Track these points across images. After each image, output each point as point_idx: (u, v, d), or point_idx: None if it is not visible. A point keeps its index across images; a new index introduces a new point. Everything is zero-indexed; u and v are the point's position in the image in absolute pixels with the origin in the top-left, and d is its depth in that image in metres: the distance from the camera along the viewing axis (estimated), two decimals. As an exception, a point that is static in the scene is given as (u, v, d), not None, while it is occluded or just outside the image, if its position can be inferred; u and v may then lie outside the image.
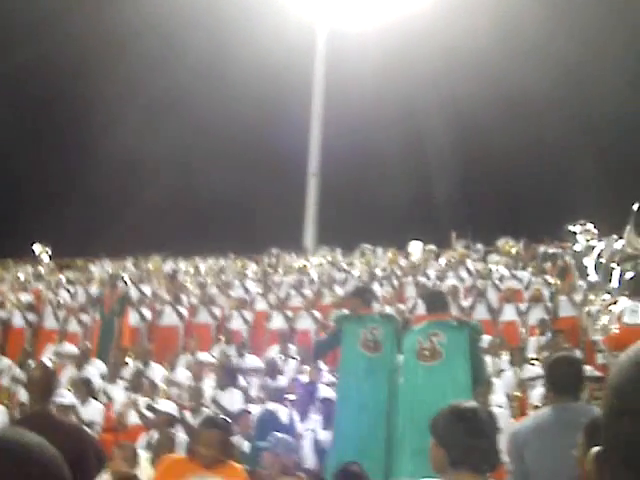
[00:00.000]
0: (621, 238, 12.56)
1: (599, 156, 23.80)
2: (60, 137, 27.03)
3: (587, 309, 13.79)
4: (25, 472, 1.50)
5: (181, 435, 9.45)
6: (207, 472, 5.37)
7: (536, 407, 9.67)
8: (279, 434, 6.89)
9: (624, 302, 9.29)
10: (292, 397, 10.87)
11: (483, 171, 25.78)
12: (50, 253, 20.93)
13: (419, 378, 7.23)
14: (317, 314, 15.70)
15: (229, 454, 5.57)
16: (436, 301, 7.66)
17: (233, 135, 26.40)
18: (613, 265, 12.18)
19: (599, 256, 12.83)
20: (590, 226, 16.11)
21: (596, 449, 1.15)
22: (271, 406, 9.97)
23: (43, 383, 5.42)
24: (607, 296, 11.90)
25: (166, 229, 25.59)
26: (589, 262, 14.67)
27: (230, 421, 5.80)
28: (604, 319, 9.80)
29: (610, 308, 9.94)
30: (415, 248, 19.91)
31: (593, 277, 13.20)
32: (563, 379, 4.77)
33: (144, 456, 8.15)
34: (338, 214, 25.51)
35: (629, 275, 10.79)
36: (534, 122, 25.92)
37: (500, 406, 10.08)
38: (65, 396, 10.26)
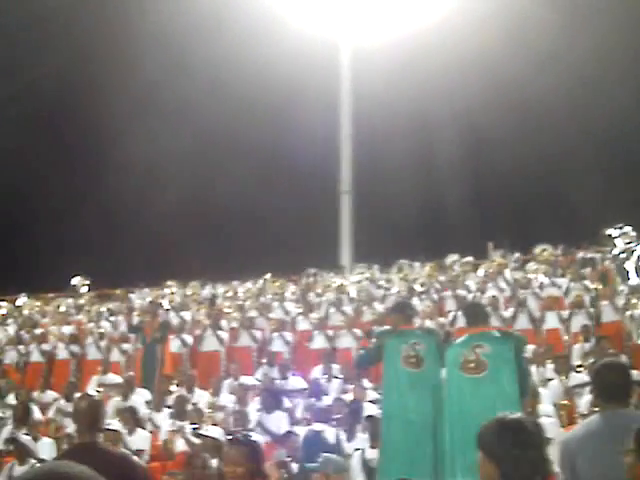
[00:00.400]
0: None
1: (632, 158, 23.60)
2: (94, 169, 27.30)
3: (630, 313, 13.65)
4: None
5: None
6: None
7: (584, 415, 9.57)
8: (328, 454, 6.85)
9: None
10: (338, 416, 10.83)
11: (517, 180, 25.67)
12: (89, 284, 21.10)
13: (465, 391, 7.18)
14: (358, 332, 15.67)
15: (259, 474, 5.39)
16: (477, 313, 7.63)
17: (265, 158, 26.54)
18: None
19: (637, 260, 12.71)
20: (628, 229, 15.97)
21: None
22: (317, 427, 9.95)
23: (89, 414, 5.44)
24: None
25: (203, 254, 25.70)
26: (629, 266, 14.54)
27: (255, 439, 5.69)
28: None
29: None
30: (453, 260, 19.85)
31: (634, 280, 13.07)
32: (611, 385, 4.71)
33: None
34: (373, 231, 25.49)
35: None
36: (558, 130, 25.82)
37: (548, 415, 9.98)
38: (112, 424, 10.31)
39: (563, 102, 25.45)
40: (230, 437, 5.51)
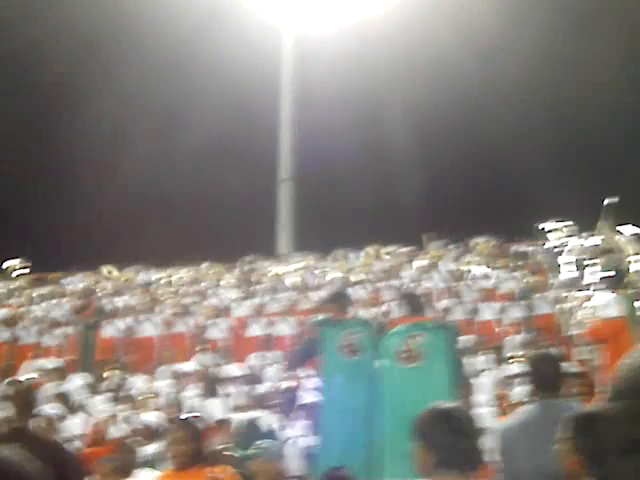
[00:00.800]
0: (591, 235, 12.67)
1: (567, 154, 23.98)
2: (40, 151, 26.85)
3: (560, 306, 13.90)
4: None
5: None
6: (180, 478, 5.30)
7: (517, 405, 9.73)
8: (267, 441, 6.88)
9: (598, 296, 9.38)
10: (274, 403, 10.85)
11: (453, 172, 25.91)
12: (24, 268, 20.79)
13: (399, 380, 7.25)
14: (294, 319, 15.71)
15: (200, 455, 5.45)
16: (412, 303, 7.70)
17: (204, 142, 26.34)
18: (585, 262, 12.29)
19: (567, 254, 12.95)
20: (562, 224, 16.24)
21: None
22: (253, 413, 9.96)
23: (20, 399, 5.40)
24: (580, 292, 12.00)
25: (138, 240, 25.48)
26: (561, 260, 14.79)
27: (200, 422, 5.72)
28: (580, 314, 9.88)
29: (585, 303, 10.03)
30: (390, 251, 19.95)
31: (565, 274, 13.31)
32: (544, 376, 4.83)
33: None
34: (310, 220, 25.51)
35: (605, 269, 10.89)
36: (503, 121, 26.05)
37: (482, 406, 10.11)
38: (46, 410, 10.19)
39: (507, 92, 25.76)
40: (174, 418, 5.54)
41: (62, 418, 10.89)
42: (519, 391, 10.58)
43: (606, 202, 10.68)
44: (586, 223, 12.55)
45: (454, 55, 24.61)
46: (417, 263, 18.71)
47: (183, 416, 5.59)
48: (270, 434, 9.12)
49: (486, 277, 17.02)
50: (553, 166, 24.17)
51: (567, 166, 23.59)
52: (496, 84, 25.84)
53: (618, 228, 10.86)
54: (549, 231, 16.75)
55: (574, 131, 24.82)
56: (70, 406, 11.52)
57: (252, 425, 9.58)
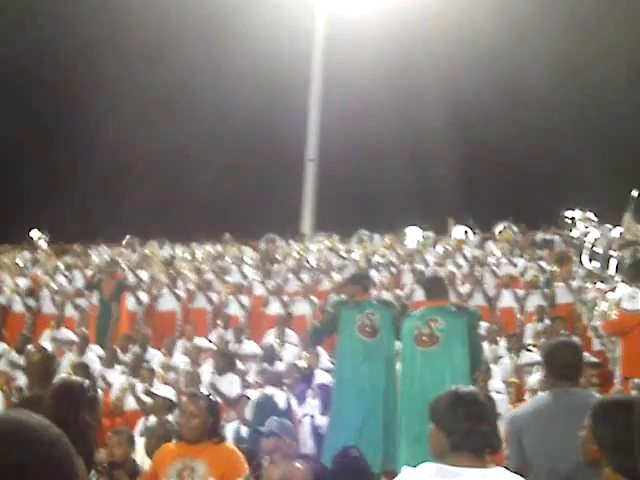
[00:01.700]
0: (617, 226, 12.56)
1: (599, 143, 23.73)
2: (60, 123, 26.91)
3: (582, 296, 13.82)
4: (31, 453, 1.49)
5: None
6: (192, 452, 5.27)
7: (533, 393, 9.70)
8: (279, 418, 6.89)
9: (623, 288, 9.28)
10: (289, 382, 10.87)
11: (481, 158, 25.73)
12: (48, 239, 20.87)
13: (417, 363, 7.24)
14: (314, 300, 15.71)
15: (215, 431, 5.45)
16: (435, 287, 7.66)
17: (231, 121, 26.30)
18: (611, 252, 12.18)
19: (593, 244, 12.83)
20: (589, 213, 16.10)
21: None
22: (269, 391, 9.98)
23: (42, 367, 5.43)
24: (603, 283, 11.91)
25: (163, 215, 25.55)
26: (586, 250, 14.67)
27: (217, 400, 5.72)
28: (603, 305, 9.80)
29: (608, 295, 9.95)
30: (413, 234, 19.86)
31: (588, 265, 13.21)
32: (563, 364, 4.78)
33: (140, 442, 8.17)
34: (336, 201, 25.47)
35: (627, 261, 10.79)
36: (534, 108, 25.84)
37: (498, 392, 10.09)
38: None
39: (543, 74, 25.52)
40: (190, 392, 5.54)
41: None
42: (536, 379, 10.56)
43: (634, 193, 10.57)
44: (613, 214, 12.41)
45: (493, 35, 24.30)
46: (441, 247, 18.65)
47: (198, 391, 5.59)
48: (284, 412, 9.13)
49: (510, 263, 16.95)
50: (586, 154, 23.94)
51: (600, 155, 23.34)
52: (536, 68, 25.58)
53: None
54: (575, 220, 16.61)
55: (610, 121, 24.47)
56: (89, 377, 11.57)
57: (267, 402, 9.60)
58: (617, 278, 10.97)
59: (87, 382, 4.18)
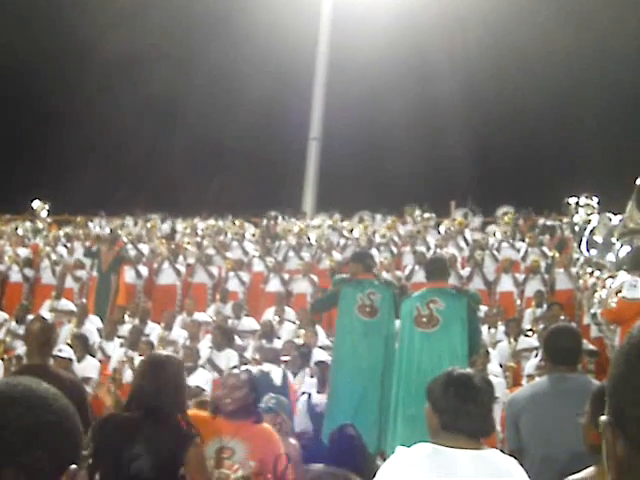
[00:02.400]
0: (618, 214, 12.54)
1: (603, 130, 23.64)
2: (61, 93, 26.80)
3: (581, 282, 13.83)
4: (40, 419, 1.51)
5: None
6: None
7: (530, 378, 9.73)
8: (276, 395, 6.90)
9: (623, 276, 9.28)
10: (287, 359, 10.90)
11: (485, 141, 25.68)
12: (49, 209, 20.86)
13: (416, 344, 7.25)
14: (315, 278, 15.73)
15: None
16: (436, 268, 7.65)
17: (235, 98, 26.23)
18: (612, 240, 12.16)
19: (592, 232, 12.82)
20: (592, 200, 16.07)
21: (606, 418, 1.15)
22: (266, 368, 10.01)
23: (42, 336, 5.43)
24: (603, 271, 11.90)
25: (166, 189, 25.54)
26: (587, 236, 14.67)
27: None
28: (602, 292, 9.81)
29: (608, 282, 9.95)
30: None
31: (587, 252, 13.21)
32: (562, 349, 4.79)
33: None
34: (339, 180, 25.42)
35: (627, 249, 10.79)
36: (537, 93, 25.71)
37: (495, 376, 10.12)
38: (63, 350, 10.29)
39: (553, 63, 25.40)
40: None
41: (78, 360, 11.00)
42: (533, 364, 10.59)
43: (639, 182, 10.53)
44: (618, 202, 12.37)
45: (502, 18, 24.14)
46: (443, 229, 18.65)
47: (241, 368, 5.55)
48: (280, 389, 9.16)
49: (512, 248, 16.94)
50: (594, 141, 23.85)
51: (603, 142, 23.24)
52: (540, 54, 25.43)
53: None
54: (578, 206, 16.59)
55: (616, 108, 24.31)
56: (87, 349, 11.61)
57: (263, 379, 9.62)
58: (617, 266, 10.97)
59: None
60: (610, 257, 11.78)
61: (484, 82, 25.17)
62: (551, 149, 25.78)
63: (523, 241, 17.39)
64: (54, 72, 26.61)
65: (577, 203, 16.43)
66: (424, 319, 7.22)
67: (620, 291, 8.92)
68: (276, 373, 9.85)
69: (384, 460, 3.62)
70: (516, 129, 25.25)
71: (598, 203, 15.89)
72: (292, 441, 6.51)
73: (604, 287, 10.11)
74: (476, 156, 25.32)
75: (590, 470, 3.09)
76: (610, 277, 10.29)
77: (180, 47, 27.16)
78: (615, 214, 12.86)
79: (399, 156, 25.87)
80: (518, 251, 16.75)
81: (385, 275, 14.03)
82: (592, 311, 11.06)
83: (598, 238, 12.64)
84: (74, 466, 1.57)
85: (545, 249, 16.69)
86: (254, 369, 10.31)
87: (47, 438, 1.51)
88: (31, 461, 1.48)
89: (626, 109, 23.47)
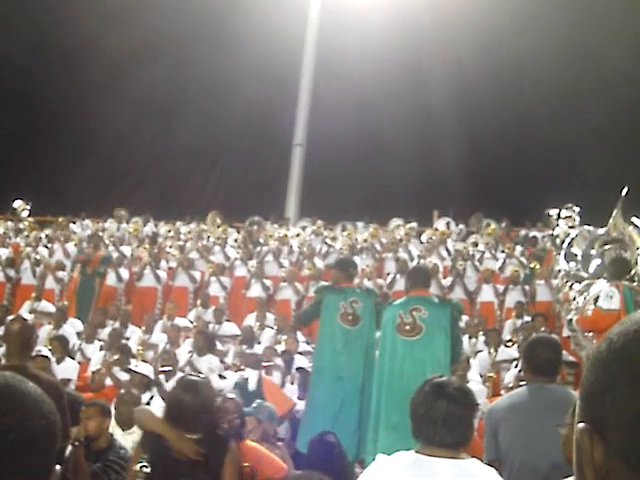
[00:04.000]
0: (600, 227, 12.59)
1: (590, 141, 23.69)
2: (46, 92, 26.69)
3: (561, 295, 13.89)
4: (37, 425, 1.51)
5: (157, 399, 9.41)
6: None
7: (509, 388, 9.76)
8: (261, 401, 6.92)
9: (601, 285, 9.32)
10: (269, 365, 10.90)
11: (469, 152, 25.71)
12: (30, 209, 20.76)
13: (399, 352, 7.24)
14: (297, 285, 15.73)
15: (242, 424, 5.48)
16: (419, 277, 7.65)
17: (220, 103, 26.21)
18: (592, 252, 12.21)
19: (570, 244, 12.86)
20: (574, 211, 16.14)
21: (584, 425, 1.17)
22: (247, 373, 10.00)
23: (21, 337, 5.40)
24: (584, 281, 11.93)
25: (148, 192, 25.48)
26: (568, 247, 14.72)
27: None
28: (580, 303, 9.84)
29: (586, 292, 9.98)
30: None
31: (565, 265, 13.25)
32: (542, 360, 4.81)
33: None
34: (322, 187, 25.44)
35: (607, 258, 10.83)
36: (521, 105, 25.78)
37: (476, 385, 10.15)
38: (42, 352, 10.23)
39: (536, 72, 25.44)
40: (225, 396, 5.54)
41: (57, 361, 10.94)
42: (512, 374, 10.63)
43: (624, 191, 10.59)
44: (604, 213, 12.42)
45: (497, 22, 24.14)
46: (425, 238, 18.70)
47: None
48: (256, 394, 9.16)
49: (492, 259, 17.01)
50: (572, 153, 23.94)
51: (586, 153, 23.29)
52: (523, 64, 25.47)
53: (632, 220, 10.75)
54: (560, 218, 16.66)
55: (600, 119, 24.32)
56: (66, 350, 11.56)
57: (245, 384, 9.62)
58: (597, 276, 11.00)
59: None
60: (589, 269, 11.82)
61: (475, 91, 25.24)
62: (539, 159, 25.82)
63: (503, 252, 17.47)
64: (45, 70, 26.48)
65: (558, 215, 16.51)
66: (407, 327, 7.22)
67: (596, 300, 8.96)
68: (252, 378, 9.85)
69: (363, 468, 3.62)
70: (500, 141, 25.29)
71: (579, 214, 15.97)
72: (276, 447, 6.51)
73: (582, 293, 10.14)
74: (459, 167, 25.37)
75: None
76: (589, 285, 10.32)
77: (166, 52, 27.07)
78: (596, 227, 12.92)
79: (384, 163, 25.91)
80: (497, 261, 16.83)
81: (367, 283, 14.06)
82: (569, 317, 11.09)
83: (577, 250, 12.68)
84: (58, 467, 1.58)
85: (523, 259, 16.76)
86: (236, 375, 10.32)
87: (44, 444, 1.52)
88: (32, 466, 1.49)
89: (614, 119, 23.55)
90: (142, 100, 25.90)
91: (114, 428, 7.46)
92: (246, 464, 4.98)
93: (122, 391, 8.52)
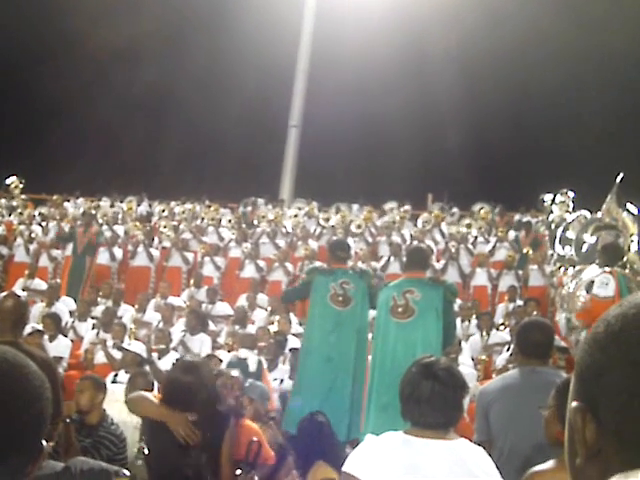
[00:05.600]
0: (596, 211, 12.59)
1: (582, 126, 23.67)
2: (41, 72, 26.55)
3: (555, 279, 13.91)
4: (41, 406, 1.53)
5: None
6: None
7: (500, 371, 9.78)
8: (253, 380, 6.93)
9: (593, 270, 9.30)
10: (262, 345, 10.92)
11: (464, 136, 25.69)
12: (24, 187, 20.67)
13: (391, 333, 7.25)
14: (290, 266, 15.74)
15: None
16: (415, 258, 7.64)
17: (215, 82, 26.14)
18: (585, 238, 12.21)
19: (565, 229, 12.87)
20: (568, 197, 16.16)
21: (577, 404, 1.17)
22: (241, 353, 10.02)
23: (14, 313, 5.38)
24: (577, 267, 11.94)
25: (143, 172, 25.40)
26: (562, 233, 14.74)
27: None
28: (572, 289, 9.83)
29: (579, 278, 9.96)
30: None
31: (560, 250, 13.26)
32: (534, 343, 4.83)
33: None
34: (318, 168, 25.39)
35: (601, 243, 10.81)
36: (518, 89, 25.73)
37: (467, 368, 10.19)
38: (36, 328, 10.22)
39: (534, 58, 25.37)
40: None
41: (50, 339, 10.94)
42: (503, 358, 10.67)
43: (619, 177, 10.57)
44: (599, 199, 12.41)
45: (498, 6, 24.03)
46: (419, 221, 18.70)
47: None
48: (255, 375, 9.18)
49: (485, 243, 17.02)
50: (568, 138, 23.91)
51: (583, 138, 23.25)
52: (521, 51, 25.40)
53: (627, 206, 10.73)
54: (554, 203, 16.68)
55: (595, 104, 24.24)
56: (59, 328, 11.57)
57: (239, 364, 9.63)
58: (590, 262, 11.00)
59: None
60: (582, 253, 11.83)
61: (471, 74, 25.26)
62: (530, 145, 25.82)
63: (496, 236, 17.49)
64: (42, 61, 26.35)
65: (553, 200, 16.52)
66: (400, 309, 7.23)
67: (591, 288, 8.95)
68: (252, 359, 9.87)
69: (354, 448, 3.63)
70: (495, 125, 25.25)
71: (574, 200, 15.98)
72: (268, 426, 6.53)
73: (574, 278, 10.13)
74: (454, 150, 25.35)
75: (552, 462, 3.12)
76: (580, 270, 10.31)
77: (164, 35, 26.95)
78: (592, 212, 12.94)
79: (379, 145, 25.90)
80: (490, 245, 16.85)
81: (361, 265, 14.06)
82: (560, 307, 11.09)
83: (571, 235, 12.68)
84: (45, 443, 1.60)
85: (516, 244, 16.77)
86: (230, 355, 10.34)
87: (44, 425, 1.55)
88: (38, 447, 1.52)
89: (611, 108, 23.51)
90: (139, 82, 25.79)
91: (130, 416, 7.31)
92: (255, 439, 4.98)
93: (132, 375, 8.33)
